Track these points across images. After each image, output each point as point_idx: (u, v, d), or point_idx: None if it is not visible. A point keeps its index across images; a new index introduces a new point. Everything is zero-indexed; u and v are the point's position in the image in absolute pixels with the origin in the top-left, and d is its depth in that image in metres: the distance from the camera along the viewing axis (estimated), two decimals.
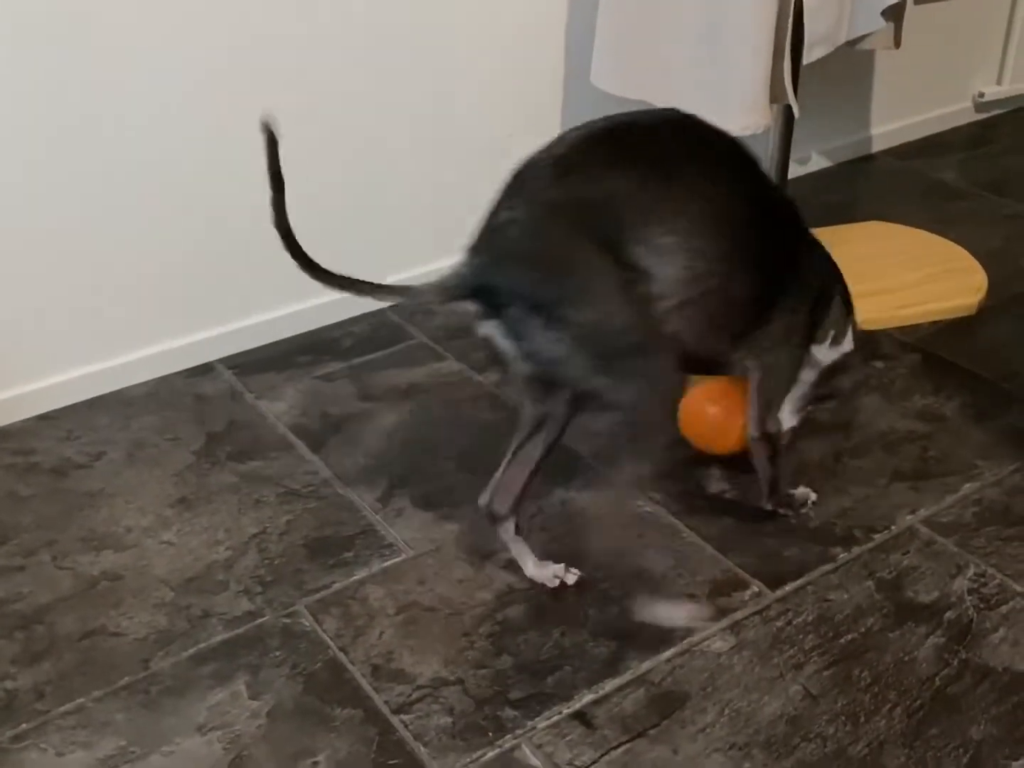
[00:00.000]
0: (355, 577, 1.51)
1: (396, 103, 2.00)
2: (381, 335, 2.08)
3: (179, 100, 1.79)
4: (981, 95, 2.91)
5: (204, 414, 1.85)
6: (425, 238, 2.10)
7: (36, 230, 1.75)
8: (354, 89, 1.95)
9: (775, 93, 1.84)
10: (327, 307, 2.08)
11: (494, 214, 1.25)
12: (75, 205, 1.77)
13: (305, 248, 1.24)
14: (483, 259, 1.24)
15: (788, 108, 1.94)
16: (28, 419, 1.84)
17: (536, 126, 2.17)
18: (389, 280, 1.31)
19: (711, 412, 1.64)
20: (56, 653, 1.40)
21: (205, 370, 1.97)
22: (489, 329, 1.25)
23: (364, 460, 1.74)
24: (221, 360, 2.00)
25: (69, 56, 1.67)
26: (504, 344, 1.25)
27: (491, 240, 1.24)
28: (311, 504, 1.65)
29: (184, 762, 1.26)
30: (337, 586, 1.50)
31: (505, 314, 1.22)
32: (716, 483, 1.67)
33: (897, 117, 2.80)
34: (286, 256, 2.04)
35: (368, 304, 2.12)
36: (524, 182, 1.26)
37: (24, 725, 1.31)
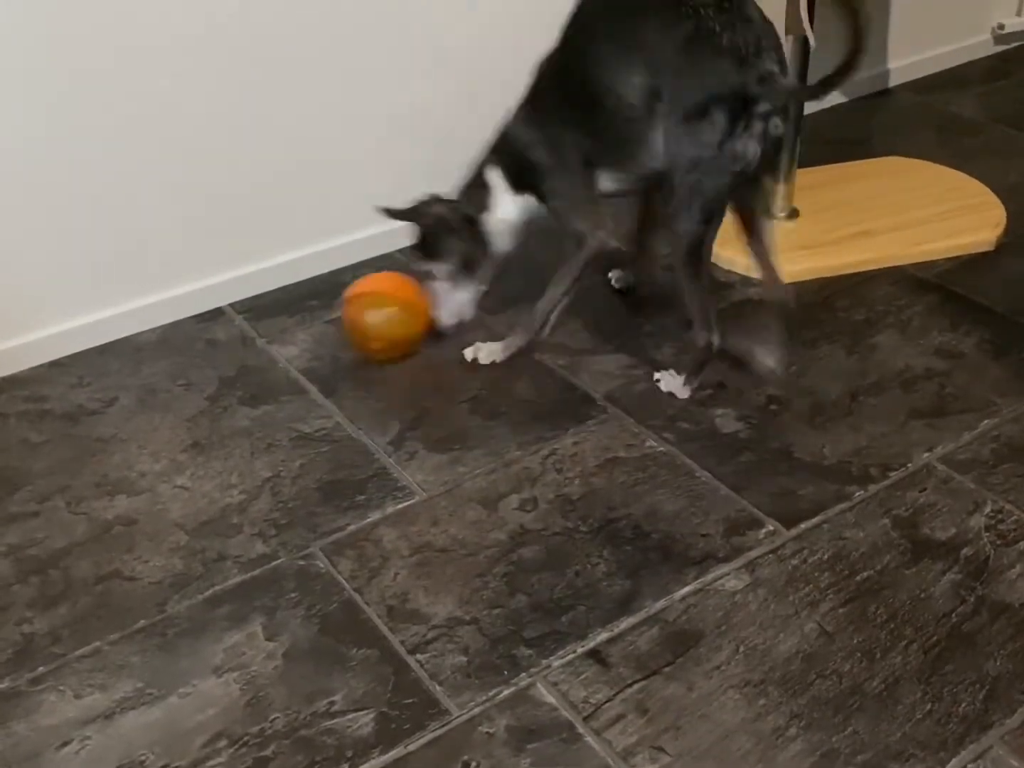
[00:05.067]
0: (369, 519, 1.51)
1: (417, 19, 1.97)
2: None
3: (193, 50, 1.76)
4: (1000, 27, 2.85)
5: (215, 359, 1.85)
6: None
7: (45, 178, 1.74)
8: (368, 19, 1.92)
9: (790, 25, 1.80)
10: (337, 251, 2.06)
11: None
12: (85, 153, 1.75)
13: None
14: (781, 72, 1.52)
15: (804, 40, 1.89)
16: (39, 366, 1.84)
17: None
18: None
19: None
20: (72, 597, 1.41)
21: (216, 315, 1.96)
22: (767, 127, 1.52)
23: (376, 404, 1.73)
24: (232, 305, 1.99)
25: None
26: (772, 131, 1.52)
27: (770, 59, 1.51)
28: (324, 448, 1.64)
29: (201, 703, 1.27)
30: (351, 528, 1.50)
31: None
32: (730, 423, 1.66)
33: (915, 50, 2.74)
34: (296, 200, 2.03)
35: (377, 247, 2.11)
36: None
37: (41, 668, 1.32)
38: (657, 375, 1.74)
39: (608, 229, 1.70)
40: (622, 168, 1.66)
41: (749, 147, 1.51)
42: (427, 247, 1.79)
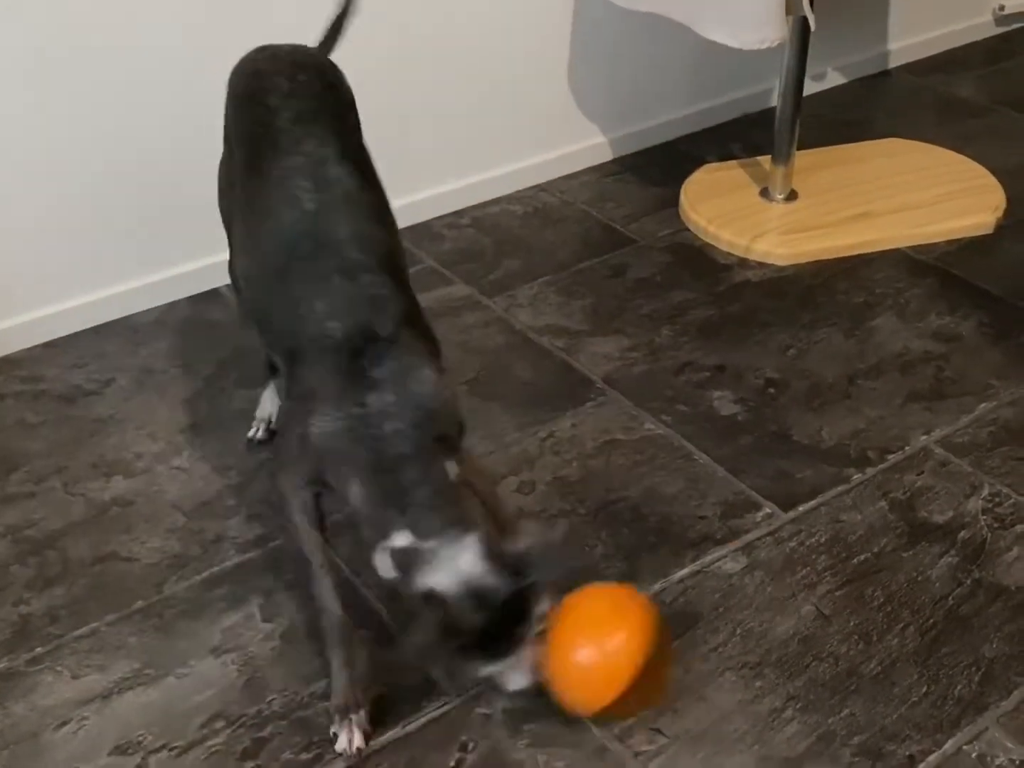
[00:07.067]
0: None
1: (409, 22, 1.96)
2: None
3: (181, 34, 1.75)
4: (1001, 8, 2.83)
5: (213, 340, 1.84)
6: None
7: (40, 157, 1.73)
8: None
9: (790, 5, 1.79)
10: None
11: None
12: (80, 132, 1.74)
13: None
14: None
15: (803, 21, 1.88)
16: (35, 347, 1.83)
17: (550, 44, 2.12)
18: None
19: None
20: (69, 578, 1.41)
21: (212, 296, 1.95)
22: None
23: None
24: (228, 286, 1.97)
25: None
26: None
27: None
28: None
29: (198, 683, 1.27)
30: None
31: None
32: (728, 406, 1.66)
33: (915, 32, 2.73)
34: None
35: None
36: None
37: (39, 649, 1.32)
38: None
39: None
40: None
41: None
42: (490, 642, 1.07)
